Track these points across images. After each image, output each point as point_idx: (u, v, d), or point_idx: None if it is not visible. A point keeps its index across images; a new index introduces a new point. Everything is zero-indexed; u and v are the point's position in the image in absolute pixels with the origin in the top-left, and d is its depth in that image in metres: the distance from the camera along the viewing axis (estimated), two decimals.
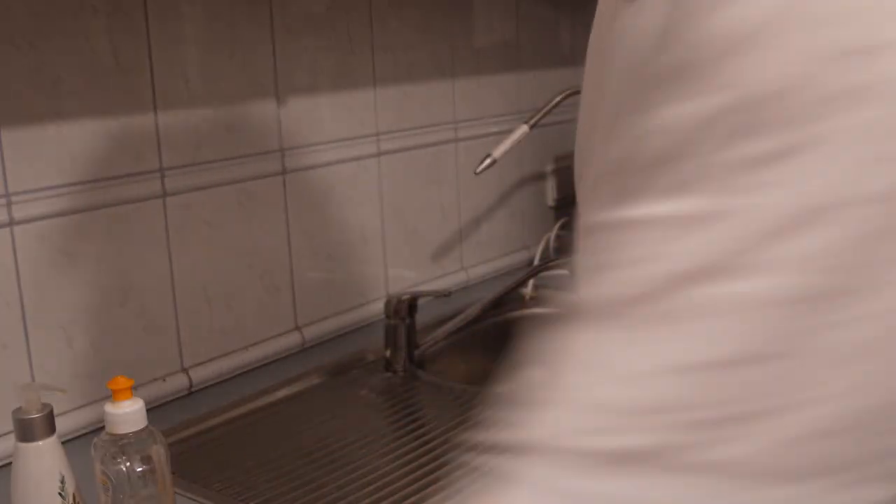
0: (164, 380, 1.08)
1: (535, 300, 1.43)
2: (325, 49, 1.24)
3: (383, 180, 1.35)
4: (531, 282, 1.44)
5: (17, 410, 0.71)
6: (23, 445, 0.71)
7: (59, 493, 0.72)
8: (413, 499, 0.87)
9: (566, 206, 1.66)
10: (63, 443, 0.74)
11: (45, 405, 0.72)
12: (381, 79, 1.33)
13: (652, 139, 0.33)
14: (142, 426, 0.72)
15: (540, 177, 1.66)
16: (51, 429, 0.72)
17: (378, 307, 1.29)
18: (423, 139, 1.42)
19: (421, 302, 1.22)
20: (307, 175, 1.24)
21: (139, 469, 0.71)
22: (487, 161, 1.23)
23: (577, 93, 1.13)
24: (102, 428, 0.73)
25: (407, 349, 1.19)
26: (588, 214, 0.37)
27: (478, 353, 1.34)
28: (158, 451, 0.73)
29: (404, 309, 1.19)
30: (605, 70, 0.41)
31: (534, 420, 0.34)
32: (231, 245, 1.15)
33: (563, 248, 1.55)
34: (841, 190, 0.29)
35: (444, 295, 1.27)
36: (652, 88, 0.33)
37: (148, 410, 0.73)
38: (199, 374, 1.12)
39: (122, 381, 0.71)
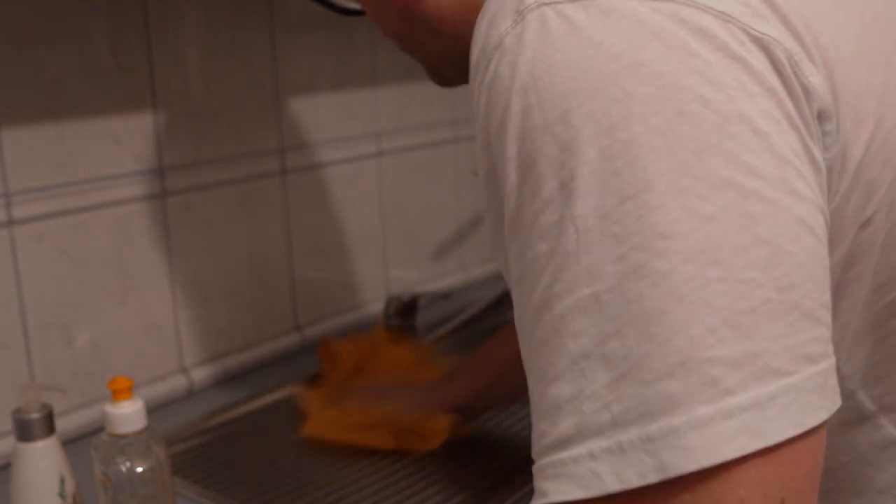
0: (164, 380, 1.08)
1: None
2: (325, 49, 1.24)
3: (383, 180, 1.35)
4: None
5: (17, 410, 0.71)
6: (22, 446, 0.71)
7: (59, 494, 0.72)
8: (413, 499, 0.87)
9: None
10: (63, 443, 0.74)
11: (44, 405, 0.72)
12: (381, 79, 1.33)
13: None
14: (142, 426, 0.72)
15: None
16: (50, 429, 0.72)
17: (378, 307, 1.29)
18: (423, 139, 1.42)
19: (421, 302, 1.22)
20: (307, 175, 1.23)
21: (139, 469, 0.71)
22: None
23: None
24: (102, 428, 0.73)
25: None
26: None
27: None
28: (158, 452, 0.73)
29: (404, 309, 1.19)
30: None
31: None
32: (231, 245, 1.15)
33: None
34: None
35: (444, 297, 1.27)
36: None
37: (148, 410, 0.73)
38: (199, 374, 1.12)
39: (122, 381, 0.71)
